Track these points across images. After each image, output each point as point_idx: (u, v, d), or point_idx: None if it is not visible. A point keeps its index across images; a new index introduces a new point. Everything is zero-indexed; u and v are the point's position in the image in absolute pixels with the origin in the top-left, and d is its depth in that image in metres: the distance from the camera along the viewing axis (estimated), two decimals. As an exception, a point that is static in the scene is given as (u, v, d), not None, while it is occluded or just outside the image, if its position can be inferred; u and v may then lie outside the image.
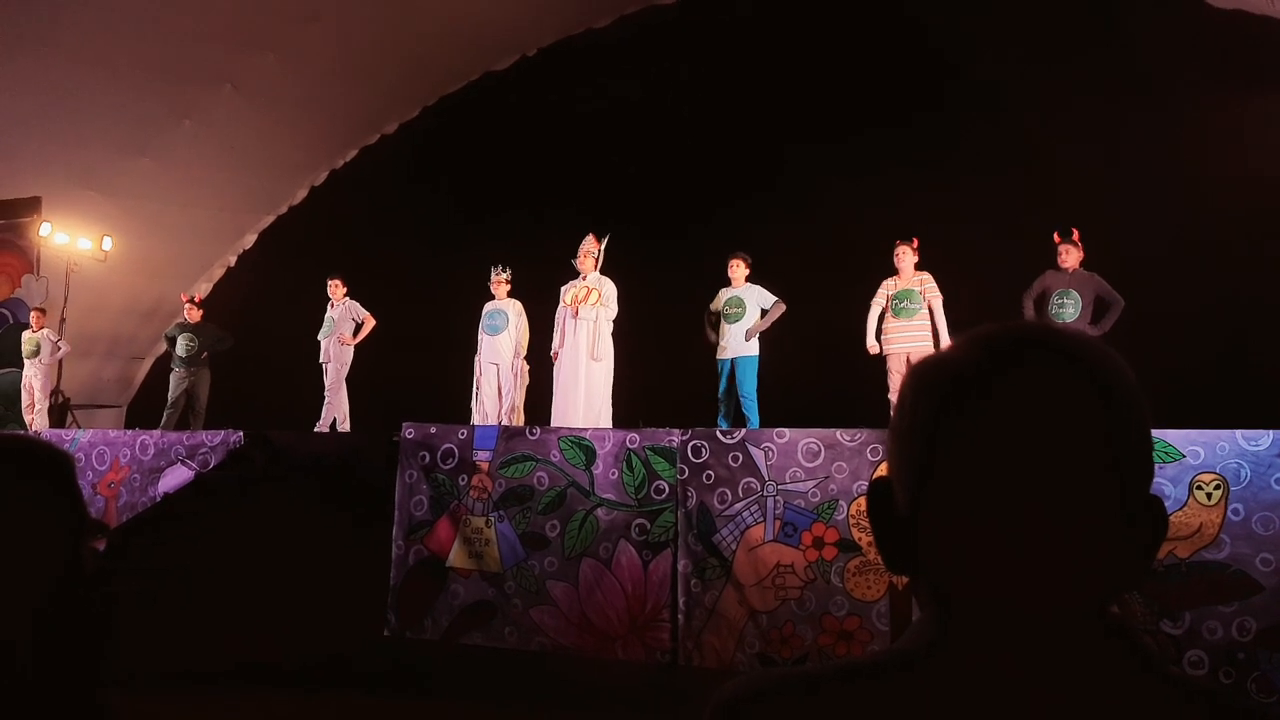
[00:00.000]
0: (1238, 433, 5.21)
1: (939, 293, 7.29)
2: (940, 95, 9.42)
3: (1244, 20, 8.28)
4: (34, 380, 10.77)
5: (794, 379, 8.03)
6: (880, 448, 5.85)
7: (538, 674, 6.34)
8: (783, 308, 7.67)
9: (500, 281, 8.46)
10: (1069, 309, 7.09)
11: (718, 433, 6.42)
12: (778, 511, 6.01)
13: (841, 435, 6.01)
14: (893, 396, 6.96)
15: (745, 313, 7.65)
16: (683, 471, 6.30)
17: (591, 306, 7.75)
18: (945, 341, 7.10)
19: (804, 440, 6.06)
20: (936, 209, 8.21)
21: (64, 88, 10.60)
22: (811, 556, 5.88)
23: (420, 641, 6.72)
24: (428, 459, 7.01)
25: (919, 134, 9.24)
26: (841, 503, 5.89)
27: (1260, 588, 4.99)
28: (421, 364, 9.84)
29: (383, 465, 7.14)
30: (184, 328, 10.10)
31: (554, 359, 7.93)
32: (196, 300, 10.46)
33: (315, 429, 9.13)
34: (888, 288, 7.44)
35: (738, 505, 6.12)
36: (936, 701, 0.70)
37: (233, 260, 13.88)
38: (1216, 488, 5.16)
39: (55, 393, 11.18)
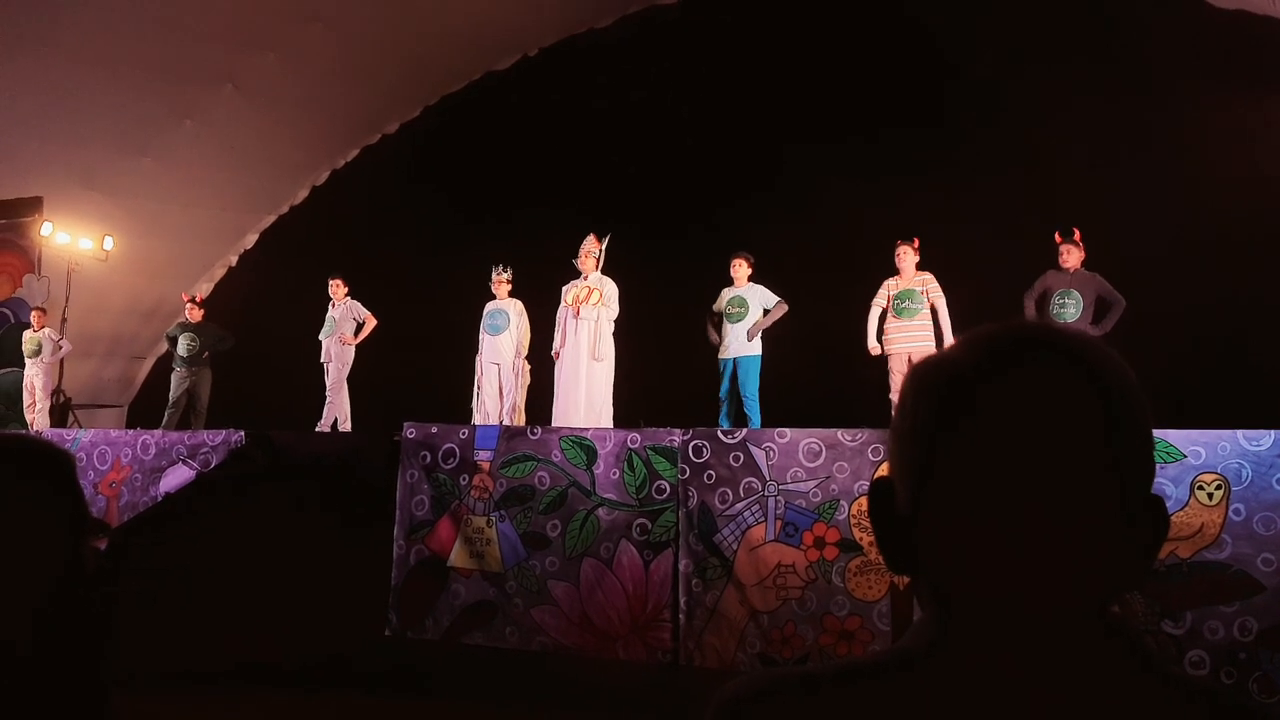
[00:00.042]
0: (1239, 433, 5.21)
1: (942, 293, 7.28)
2: (941, 95, 9.42)
3: (1246, 20, 8.28)
4: (35, 380, 10.78)
5: (795, 379, 8.03)
6: (881, 448, 5.85)
7: (539, 674, 6.34)
8: (785, 308, 7.67)
9: (501, 281, 8.46)
10: (1070, 309, 7.08)
11: (719, 432, 6.42)
12: (779, 511, 6.01)
13: (843, 435, 6.01)
14: (894, 396, 6.95)
15: (748, 312, 7.65)
16: (684, 471, 6.30)
17: (593, 306, 7.75)
18: (949, 342, 7.09)
19: (805, 440, 6.06)
20: (937, 209, 8.21)
21: (65, 88, 10.60)
22: (813, 556, 5.88)
23: (421, 641, 6.73)
24: (429, 459, 7.01)
25: (919, 134, 9.24)
26: (843, 503, 5.89)
27: (1261, 588, 4.99)
28: (422, 364, 9.84)
29: (383, 465, 7.14)
30: (185, 327, 10.11)
31: (555, 359, 7.93)
32: (198, 300, 10.47)
33: (316, 429, 9.13)
34: (889, 288, 7.43)
35: (739, 505, 6.12)
36: (937, 701, 0.70)
37: (234, 260, 13.89)
38: (1218, 488, 5.16)
39: (56, 392, 11.19)
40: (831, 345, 8.25)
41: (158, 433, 8.49)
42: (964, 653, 0.70)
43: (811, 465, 6.00)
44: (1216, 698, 0.71)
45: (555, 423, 7.54)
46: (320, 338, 9.44)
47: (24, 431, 9.24)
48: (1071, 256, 7.17)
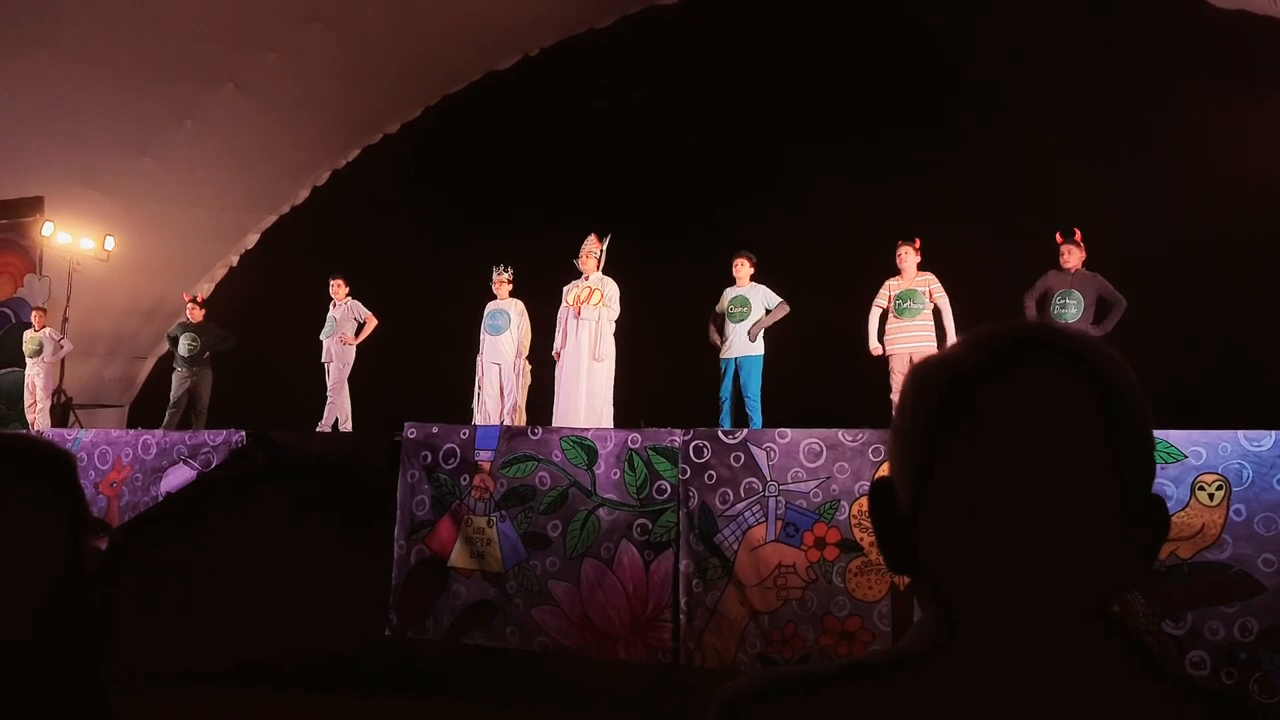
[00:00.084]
0: (1240, 433, 5.21)
1: (945, 293, 7.28)
2: (941, 95, 9.42)
3: (1246, 20, 8.27)
4: (36, 379, 10.78)
5: (796, 379, 8.03)
6: (882, 448, 5.85)
7: (539, 674, 6.34)
8: (786, 309, 7.66)
9: (502, 281, 8.46)
10: (1071, 309, 7.08)
11: (719, 433, 6.42)
12: (779, 511, 6.01)
13: (843, 435, 6.00)
14: (895, 396, 6.95)
15: (750, 312, 7.64)
16: (684, 471, 6.30)
17: (594, 306, 7.75)
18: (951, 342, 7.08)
19: (806, 440, 6.06)
20: (937, 209, 8.21)
21: (65, 88, 10.61)
22: (813, 557, 5.87)
23: (422, 641, 6.73)
24: (429, 459, 7.01)
25: (920, 134, 9.24)
26: (843, 503, 5.88)
27: (1262, 588, 4.98)
28: (423, 364, 9.84)
29: (384, 465, 7.14)
30: (186, 327, 10.11)
31: (556, 359, 7.93)
32: (199, 300, 10.47)
33: (317, 429, 9.13)
34: (890, 287, 7.43)
35: (739, 505, 6.12)
36: (937, 701, 0.70)
37: (235, 260, 13.90)
38: (1219, 488, 5.16)
39: (57, 392, 11.20)
40: (832, 345, 8.25)
41: (159, 432, 8.49)
42: (964, 653, 0.70)
43: (812, 465, 6.00)
44: (1217, 698, 0.71)
45: (556, 423, 7.54)
46: (321, 338, 9.44)
47: (25, 431, 9.25)
48: (1072, 256, 7.16)
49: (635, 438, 6.50)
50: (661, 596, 6.18)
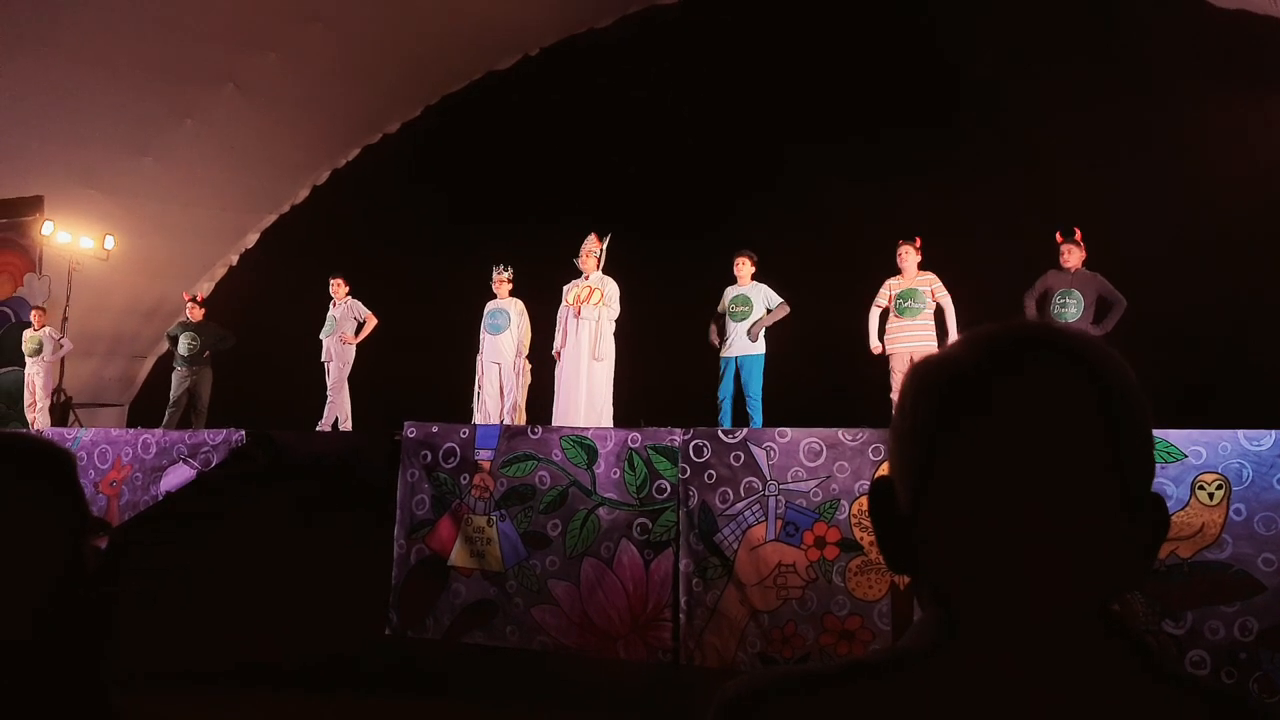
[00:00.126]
0: (1239, 433, 5.21)
1: (948, 293, 7.27)
2: (941, 95, 9.42)
3: (1246, 20, 8.27)
4: (36, 378, 10.79)
5: (796, 378, 8.03)
6: (882, 447, 5.85)
7: (539, 673, 6.35)
8: (787, 309, 7.66)
9: (502, 280, 8.46)
10: (1071, 309, 7.08)
11: (719, 432, 6.42)
12: (779, 511, 6.01)
13: (843, 435, 6.00)
14: (895, 396, 6.94)
15: (752, 311, 7.64)
16: (684, 471, 6.30)
17: (594, 306, 7.75)
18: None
19: (806, 440, 6.06)
20: (938, 209, 8.21)
21: (65, 87, 10.61)
22: (813, 556, 5.87)
23: (422, 640, 6.73)
24: (429, 458, 7.01)
25: (920, 134, 9.24)
26: (843, 502, 5.89)
27: (1262, 587, 4.99)
28: (423, 363, 9.84)
29: (384, 464, 7.14)
30: (186, 326, 10.11)
31: (556, 358, 7.93)
32: (199, 299, 10.47)
33: (317, 428, 9.13)
34: (891, 287, 7.43)
35: (739, 504, 6.12)
36: (937, 701, 0.70)
37: (235, 259, 13.90)
38: (1218, 488, 5.16)
39: (57, 391, 11.20)
40: (832, 345, 8.25)
41: (158, 432, 8.49)
42: (964, 652, 0.70)
43: (812, 465, 6.00)
44: (1217, 698, 0.71)
45: (556, 422, 7.54)
46: (321, 337, 9.45)
47: (24, 430, 9.25)
48: (1072, 256, 7.16)
49: (635, 437, 6.50)
50: (661, 596, 6.18)
